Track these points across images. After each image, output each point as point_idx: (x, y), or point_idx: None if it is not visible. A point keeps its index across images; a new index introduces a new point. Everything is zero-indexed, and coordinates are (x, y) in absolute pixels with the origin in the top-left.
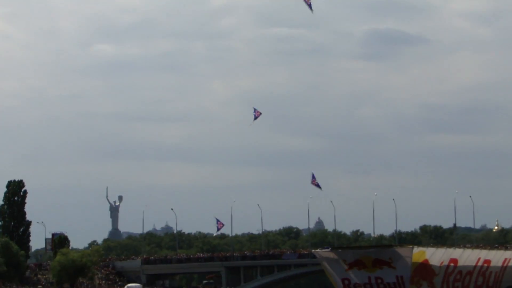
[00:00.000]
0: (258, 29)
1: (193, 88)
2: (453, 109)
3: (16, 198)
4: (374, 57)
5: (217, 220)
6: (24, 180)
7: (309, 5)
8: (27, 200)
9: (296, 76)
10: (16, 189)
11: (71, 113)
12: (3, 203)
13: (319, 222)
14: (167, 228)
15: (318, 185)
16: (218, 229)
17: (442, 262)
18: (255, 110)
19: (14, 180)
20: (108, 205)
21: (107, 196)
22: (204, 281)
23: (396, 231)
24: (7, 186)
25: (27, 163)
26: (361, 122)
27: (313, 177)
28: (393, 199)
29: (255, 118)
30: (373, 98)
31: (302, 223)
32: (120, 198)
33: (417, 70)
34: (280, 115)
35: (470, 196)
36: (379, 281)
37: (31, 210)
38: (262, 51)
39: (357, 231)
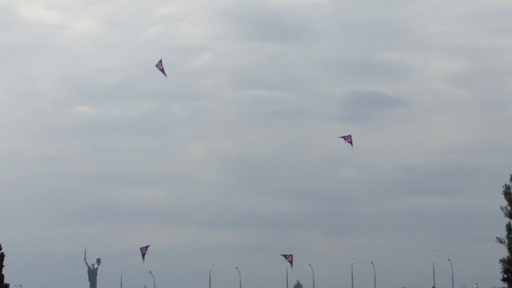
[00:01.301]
0: (237, 91)
1: (172, 150)
2: (432, 170)
3: None
4: (353, 119)
5: None
6: (1, 243)
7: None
8: (4, 263)
9: (275, 138)
10: None
11: (50, 174)
12: None
13: (298, 285)
14: None
15: (163, 71)
16: None
17: None
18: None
19: None
20: (86, 268)
21: (85, 259)
22: None
23: None
24: None
25: (4, 225)
26: (340, 184)
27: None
28: (372, 262)
29: (162, 70)
30: (352, 160)
31: (280, 286)
32: (98, 260)
33: (396, 131)
34: (258, 177)
35: (448, 259)
36: None
37: (9, 272)
38: (241, 112)
39: None
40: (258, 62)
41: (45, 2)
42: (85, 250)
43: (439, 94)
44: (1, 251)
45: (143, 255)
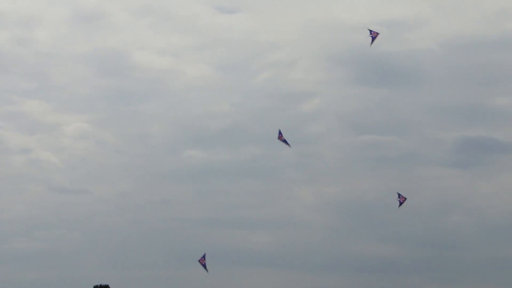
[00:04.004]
0: (346, 136)
1: (280, 194)
2: None
3: None
4: (464, 164)
5: None
6: (110, 285)
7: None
8: None
9: (383, 182)
10: None
11: (159, 218)
12: None
13: None
14: None
15: (285, 141)
16: None
17: None
18: (371, 31)
19: (100, 285)
20: None
21: None
22: None
23: None
24: None
25: (113, 267)
26: (449, 230)
27: (280, 133)
28: None
29: (373, 39)
30: (462, 206)
31: None
32: None
33: (508, 177)
34: (367, 222)
35: None
36: None
37: None
38: (350, 157)
39: None
40: (367, 107)
41: (157, 48)
42: None
43: None
44: None
45: (204, 265)
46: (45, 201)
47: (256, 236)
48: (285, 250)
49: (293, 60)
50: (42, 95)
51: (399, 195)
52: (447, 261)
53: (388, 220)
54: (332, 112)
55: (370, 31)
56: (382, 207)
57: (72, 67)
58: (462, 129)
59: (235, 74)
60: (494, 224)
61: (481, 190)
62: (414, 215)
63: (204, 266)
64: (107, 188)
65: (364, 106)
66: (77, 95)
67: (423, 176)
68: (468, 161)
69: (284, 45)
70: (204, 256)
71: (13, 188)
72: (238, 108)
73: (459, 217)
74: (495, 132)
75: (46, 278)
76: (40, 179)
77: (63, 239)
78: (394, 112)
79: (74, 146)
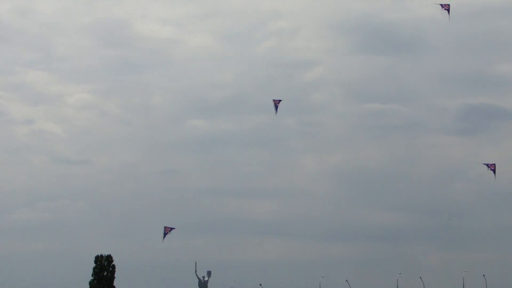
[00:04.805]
0: (350, 104)
1: (284, 163)
2: None
3: (105, 273)
4: (467, 131)
5: None
6: (112, 255)
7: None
8: (115, 274)
9: (387, 151)
10: (104, 264)
11: (163, 188)
12: (92, 278)
13: None
14: None
15: (276, 107)
16: None
17: None
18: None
19: (102, 255)
20: (197, 281)
21: (196, 271)
22: None
23: None
24: (95, 261)
25: (115, 238)
26: (454, 197)
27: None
28: (484, 275)
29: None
30: (466, 173)
31: None
32: (209, 273)
33: (510, 144)
34: (370, 190)
35: None
36: None
37: (120, 285)
38: (353, 125)
39: None
40: (371, 75)
41: (159, 17)
42: (195, 262)
43: None
44: (113, 263)
45: (165, 234)
46: (49, 172)
47: (259, 205)
48: (288, 219)
49: (295, 29)
50: (44, 66)
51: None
52: (450, 229)
53: (391, 188)
54: (335, 81)
55: (442, 5)
56: (386, 176)
57: (74, 38)
58: (465, 97)
59: (237, 44)
60: (497, 192)
61: (484, 157)
62: (418, 183)
63: (165, 234)
64: (110, 158)
65: (367, 74)
66: (79, 65)
67: (426, 144)
68: (471, 129)
69: (287, 13)
70: (171, 229)
71: (17, 159)
72: (241, 78)
73: (462, 184)
74: (498, 99)
75: (49, 248)
76: (43, 150)
77: (67, 209)
78: (397, 81)
79: (77, 116)
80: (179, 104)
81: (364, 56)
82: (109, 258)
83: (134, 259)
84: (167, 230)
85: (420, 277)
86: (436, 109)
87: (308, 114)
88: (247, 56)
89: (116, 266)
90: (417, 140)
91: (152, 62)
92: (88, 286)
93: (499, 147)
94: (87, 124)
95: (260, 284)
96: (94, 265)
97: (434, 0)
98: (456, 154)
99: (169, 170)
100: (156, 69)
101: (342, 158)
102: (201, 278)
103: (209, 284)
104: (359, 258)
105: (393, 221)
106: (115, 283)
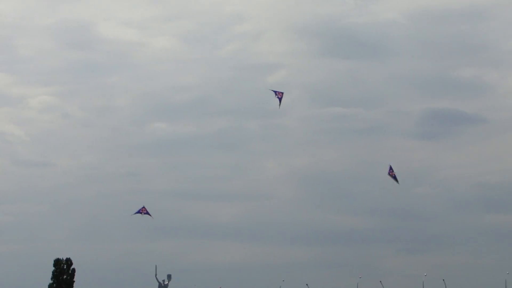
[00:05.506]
0: (313, 108)
1: (246, 166)
2: (509, 188)
3: (64, 277)
4: (429, 136)
5: None
6: (72, 258)
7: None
8: (75, 278)
9: (350, 155)
10: (63, 267)
11: (125, 190)
12: (52, 281)
13: None
14: None
15: (395, 177)
16: None
17: None
18: (275, 92)
19: (61, 258)
20: (157, 284)
21: (156, 275)
22: None
23: None
24: (55, 265)
25: (77, 241)
26: (415, 201)
27: (391, 168)
28: (443, 279)
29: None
30: (428, 178)
31: None
32: (169, 276)
33: (473, 149)
34: (332, 194)
35: None
36: None
37: None
38: (316, 129)
39: None
40: (334, 79)
41: (123, 19)
42: (156, 266)
43: None
44: (72, 266)
45: (139, 211)
46: (10, 174)
47: (221, 209)
48: (250, 223)
49: (259, 32)
50: (6, 67)
51: (275, 92)
52: (411, 233)
53: (355, 191)
54: (298, 84)
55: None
56: (348, 179)
57: (37, 40)
58: (428, 101)
59: (201, 47)
60: (460, 196)
61: (446, 161)
62: (379, 187)
63: (139, 211)
64: (73, 161)
65: (330, 78)
66: (42, 67)
67: (388, 148)
68: (434, 133)
69: (251, 17)
70: (146, 212)
71: None
72: (204, 81)
73: (425, 188)
74: (460, 104)
75: (9, 251)
76: (5, 152)
77: (28, 212)
78: (360, 85)
79: (39, 118)
80: (142, 106)
81: (327, 59)
82: (68, 262)
83: (94, 262)
84: (143, 211)
85: (380, 281)
86: (398, 113)
87: (271, 118)
88: (211, 59)
89: (76, 270)
90: (380, 144)
91: (115, 64)
92: None
93: (461, 151)
94: (49, 127)
95: (220, 287)
96: (53, 268)
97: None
98: (418, 158)
99: (131, 172)
100: (119, 72)
101: (305, 162)
102: (161, 282)
103: None
104: (320, 262)
105: (354, 224)
106: (75, 286)
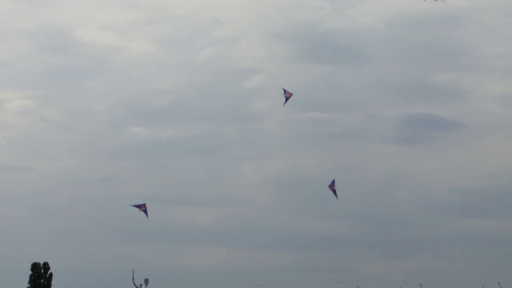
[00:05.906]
0: (291, 112)
1: (224, 171)
2: (486, 193)
3: (42, 281)
4: (407, 141)
5: None
6: (50, 262)
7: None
8: (52, 282)
9: (328, 160)
10: (41, 271)
11: (103, 195)
12: (29, 286)
13: None
14: None
15: (334, 192)
16: None
17: None
18: (285, 91)
19: (39, 263)
20: None
21: (133, 279)
22: None
23: None
24: (32, 269)
25: (54, 245)
26: (393, 206)
27: (333, 182)
28: (421, 284)
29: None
30: (406, 182)
31: None
32: (146, 281)
33: (450, 153)
34: (311, 199)
35: (498, 282)
36: None
37: None
38: (294, 134)
39: None
40: (312, 84)
41: (100, 24)
42: (133, 270)
43: (494, 116)
44: (50, 271)
45: (139, 206)
46: None
47: (199, 214)
48: (228, 227)
49: (237, 37)
50: None
51: (284, 91)
52: (389, 238)
53: (331, 197)
54: (276, 89)
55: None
56: (326, 184)
57: (15, 43)
58: (405, 106)
59: (179, 51)
60: (437, 201)
61: (424, 167)
62: (357, 192)
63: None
64: (51, 165)
65: (308, 83)
66: (19, 71)
67: (366, 153)
68: (411, 138)
69: (228, 21)
70: (145, 210)
71: None
72: (181, 85)
73: (402, 193)
74: (437, 109)
75: None
76: None
77: (5, 216)
78: (338, 89)
79: (17, 122)
80: (120, 111)
81: (305, 64)
82: (46, 266)
83: (72, 266)
84: (142, 208)
85: (358, 286)
86: (376, 118)
87: (248, 122)
88: (188, 64)
89: (53, 274)
90: (358, 149)
91: (93, 68)
92: None
93: (438, 156)
94: (27, 131)
95: None
96: (31, 272)
97: (373, 10)
98: (396, 163)
99: (109, 177)
100: (97, 76)
101: (283, 167)
102: (139, 286)
103: None
104: (298, 267)
105: (332, 229)
106: None
